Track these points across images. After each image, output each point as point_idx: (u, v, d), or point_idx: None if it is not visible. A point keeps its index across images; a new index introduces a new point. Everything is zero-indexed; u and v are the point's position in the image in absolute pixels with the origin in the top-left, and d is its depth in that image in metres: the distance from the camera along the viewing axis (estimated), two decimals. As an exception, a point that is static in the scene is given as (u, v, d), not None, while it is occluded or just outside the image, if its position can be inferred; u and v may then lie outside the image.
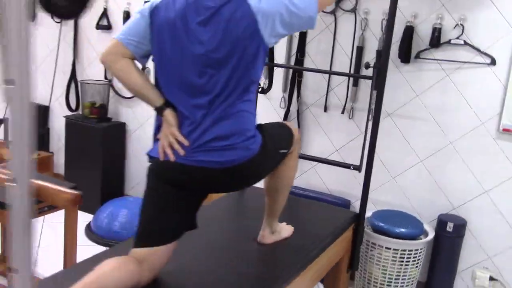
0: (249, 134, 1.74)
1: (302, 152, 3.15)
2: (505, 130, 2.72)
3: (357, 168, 2.62)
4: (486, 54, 2.70)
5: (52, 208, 2.63)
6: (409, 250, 2.76)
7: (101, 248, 2.91)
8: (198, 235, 1.90)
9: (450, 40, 2.76)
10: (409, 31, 2.85)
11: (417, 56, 2.86)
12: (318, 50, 3.14)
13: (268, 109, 3.32)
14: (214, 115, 1.69)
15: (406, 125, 2.98)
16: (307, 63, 3.17)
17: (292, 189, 2.66)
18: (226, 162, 1.70)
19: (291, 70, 3.22)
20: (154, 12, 1.72)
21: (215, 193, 2.28)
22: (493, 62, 2.69)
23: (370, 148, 2.56)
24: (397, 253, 2.77)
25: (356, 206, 3.13)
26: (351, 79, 3.05)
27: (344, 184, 3.19)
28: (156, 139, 1.80)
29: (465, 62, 2.76)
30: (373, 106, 2.56)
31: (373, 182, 2.66)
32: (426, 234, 2.85)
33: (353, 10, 2.99)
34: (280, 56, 3.21)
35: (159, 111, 1.74)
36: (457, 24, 2.75)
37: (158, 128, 1.80)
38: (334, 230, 2.45)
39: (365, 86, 3.02)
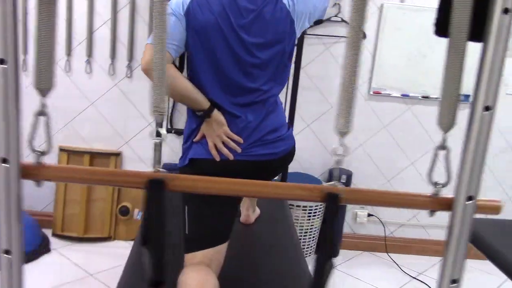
0: (286, 123, 1.86)
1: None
2: (375, 92, 3.29)
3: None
4: (357, 29, 3.18)
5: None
6: (315, 206, 3.16)
7: None
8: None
9: (330, 18, 3.15)
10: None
11: (303, 33, 3.17)
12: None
13: (153, 90, 3.21)
14: (263, 111, 1.77)
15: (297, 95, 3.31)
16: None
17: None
18: (280, 152, 1.81)
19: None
20: (189, 14, 1.64)
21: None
22: (364, 36, 3.19)
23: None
24: (306, 210, 3.14)
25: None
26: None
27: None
28: (192, 142, 1.76)
29: (341, 37, 3.20)
30: None
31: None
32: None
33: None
34: (164, 35, 3.12)
35: (208, 112, 1.69)
36: (335, 4, 3.15)
37: (193, 132, 1.76)
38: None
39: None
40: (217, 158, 1.74)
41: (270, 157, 1.79)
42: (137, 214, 3.32)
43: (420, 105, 3.34)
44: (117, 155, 3.28)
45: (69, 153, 3.24)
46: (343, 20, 3.16)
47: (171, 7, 1.68)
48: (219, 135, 1.73)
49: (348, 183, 3.32)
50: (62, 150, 3.24)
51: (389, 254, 3.48)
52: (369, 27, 3.19)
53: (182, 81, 1.68)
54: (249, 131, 1.76)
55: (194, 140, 1.78)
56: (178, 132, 3.21)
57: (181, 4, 1.67)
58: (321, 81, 3.27)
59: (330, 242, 0.87)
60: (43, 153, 0.81)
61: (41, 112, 0.79)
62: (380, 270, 3.30)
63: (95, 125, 3.25)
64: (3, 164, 0.75)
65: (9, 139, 0.75)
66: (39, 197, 3.32)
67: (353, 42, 0.81)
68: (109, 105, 3.22)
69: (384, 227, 3.50)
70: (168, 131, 3.06)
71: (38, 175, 0.79)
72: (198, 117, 1.76)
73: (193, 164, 1.77)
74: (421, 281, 3.20)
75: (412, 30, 3.18)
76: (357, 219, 3.49)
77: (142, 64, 1.62)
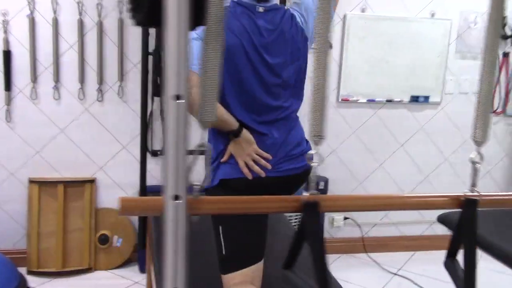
0: (305, 137, 1.90)
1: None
2: (343, 99, 3.41)
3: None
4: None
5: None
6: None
7: None
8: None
9: (298, 30, 3.23)
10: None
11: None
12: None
13: (126, 113, 3.14)
14: (287, 127, 1.82)
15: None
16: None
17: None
18: (304, 166, 1.85)
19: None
20: None
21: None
22: (330, 46, 3.30)
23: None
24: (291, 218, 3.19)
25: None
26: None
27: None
28: (219, 163, 1.76)
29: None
30: None
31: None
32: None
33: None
34: (134, 54, 3.07)
35: (238, 132, 1.70)
36: (302, 16, 3.24)
37: (221, 152, 1.76)
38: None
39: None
40: (250, 177, 1.75)
41: (297, 171, 1.83)
42: (117, 241, 3.21)
43: (385, 109, 3.50)
44: (92, 182, 3.16)
45: (41, 185, 3.08)
46: (310, 32, 3.25)
47: (194, 31, 1.68)
48: (249, 153, 1.74)
49: (325, 189, 3.41)
50: (32, 182, 3.07)
51: (368, 254, 3.61)
52: (334, 37, 3.31)
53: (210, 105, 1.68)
54: (276, 147, 1.79)
55: (222, 160, 1.78)
56: (155, 154, 3.14)
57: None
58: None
59: (321, 261, 0.82)
60: (201, 188, 0.80)
61: (201, 145, 0.78)
62: (363, 271, 3.41)
63: (66, 153, 3.11)
64: (175, 201, 0.74)
65: (180, 176, 0.74)
66: (7, 233, 3.13)
67: (320, 52, 0.83)
68: (80, 130, 3.10)
69: (360, 228, 3.63)
70: (154, 153, 2.99)
71: (201, 209, 0.78)
72: (225, 137, 1.76)
73: (225, 184, 1.76)
74: (402, 276, 3.35)
75: (374, 38, 3.35)
76: (334, 223, 3.59)
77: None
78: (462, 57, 3.54)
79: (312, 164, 0.84)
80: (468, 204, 0.87)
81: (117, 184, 3.22)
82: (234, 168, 1.77)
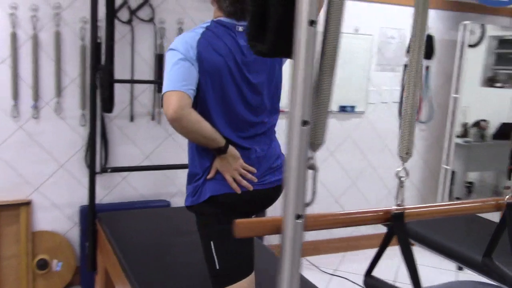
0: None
1: (112, 165, 3.10)
2: (281, 111, 3.53)
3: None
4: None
5: None
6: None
7: None
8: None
9: (236, 44, 3.31)
10: (203, 38, 3.21)
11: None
12: (121, 62, 3.05)
13: (63, 130, 3.00)
14: (267, 140, 1.89)
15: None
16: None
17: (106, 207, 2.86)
18: (282, 178, 1.91)
19: (87, 83, 3.00)
20: (200, 58, 1.70)
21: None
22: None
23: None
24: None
25: (177, 203, 3.35)
26: (154, 86, 3.16)
27: (158, 186, 3.31)
28: (205, 180, 1.79)
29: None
30: None
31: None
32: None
33: (151, 20, 3.08)
34: (73, 68, 2.94)
35: (225, 149, 1.73)
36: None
37: (207, 169, 1.78)
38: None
39: (168, 91, 3.20)
40: (238, 191, 1.79)
41: (278, 183, 1.90)
42: (57, 265, 3.04)
43: (317, 119, 3.69)
44: (27, 204, 2.97)
45: (-30, 210, 2.84)
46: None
47: (179, 51, 1.70)
48: (237, 168, 1.78)
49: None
50: (-40, 207, 2.82)
51: (305, 258, 3.77)
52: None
53: (206, 124, 1.70)
54: (260, 161, 1.85)
55: (208, 177, 1.80)
56: (105, 171, 3.02)
57: (190, 49, 1.70)
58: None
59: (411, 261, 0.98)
60: (308, 205, 0.85)
61: (311, 166, 0.83)
62: (304, 274, 3.56)
63: (-2, 174, 2.90)
64: (297, 220, 0.79)
65: (300, 196, 0.79)
66: None
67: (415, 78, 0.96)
68: (14, 149, 2.91)
69: (296, 234, 3.77)
70: (103, 170, 2.88)
71: (316, 225, 0.83)
72: (210, 154, 1.78)
73: (214, 200, 1.78)
74: (340, 276, 3.55)
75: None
76: (273, 231, 3.70)
77: (171, 113, 1.61)
78: (382, 69, 3.85)
79: (402, 179, 0.92)
80: (396, 218, 0.99)
81: (55, 205, 3.06)
82: (221, 184, 1.79)
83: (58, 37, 2.89)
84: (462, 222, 3.33)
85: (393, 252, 3.36)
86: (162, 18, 3.12)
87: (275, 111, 1.93)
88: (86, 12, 2.88)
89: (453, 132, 3.99)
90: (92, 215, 2.73)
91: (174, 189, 3.36)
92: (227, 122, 1.78)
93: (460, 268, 3.86)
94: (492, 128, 4.52)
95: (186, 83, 1.66)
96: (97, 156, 3.01)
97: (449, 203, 1.05)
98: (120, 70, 3.06)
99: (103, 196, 3.15)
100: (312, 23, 0.73)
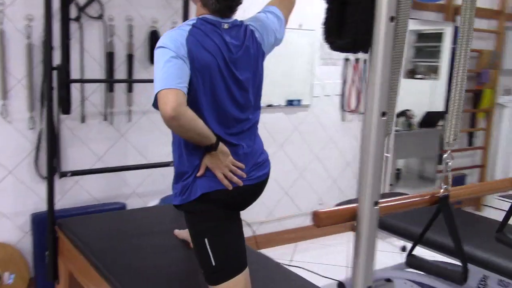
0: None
1: (65, 169, 2.97)
2: (230, 107, 3.55)
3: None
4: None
5: None
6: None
7: None
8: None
9: (187, 41, 3.27)
10: (153, 35, 3.15)
11: (165, 57, 3.21)
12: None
13: (10, 134, 2.82)
14: (252, 137, 1.92)
15: (160, 119, 3.30)
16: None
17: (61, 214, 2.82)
18: (267, 172, 1.97)
19: (36, 84, 2.84)
20: (191, 55, 1.69)
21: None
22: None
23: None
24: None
25: (133, 205, 3.27)
26: (106, 85, 3.06)
27: (113, 188, 3.21)
28: (195, 178, 1.79)
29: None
30: (131, 108, 3.05)
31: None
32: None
33: (100, 17, 2.97)
34: (19, 68, 2.78)
35: (216, 145, 1.73)
36: (190, 27, 3.28)
37: (197, 167, 1.77)
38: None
39: (120, 91, 3.12)
40: (230, 187, 1.78)
41: (263, 178, 1.92)
42: (9, 278, 2.87)
43: (266, 113, 3.75)
44: (-27, 215, 2.78)
45: None
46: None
47: (170, 49, 1.66)
48: (227, 165, 1.78)
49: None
50: None
51: (260, 250, 3.81)
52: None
53: (200, 121, 1.68)
54: (247, 157, 1.85)
55: (198, 174, 1.78)
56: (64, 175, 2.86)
57: (180, 46, 1.67)
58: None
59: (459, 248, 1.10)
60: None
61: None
62: (262, 268, 3.60)
63: None
64: (375, 207, 0.82)
65: (377, 184, 0.83)
66: None
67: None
68: (-44, 158, 2.70)
69: (250, 227, 3.81)
70: (63, 174, 2.73)
71: (388, 210, 0.87)
72: (199, 152, 1.77)
73: (205, 197, 1.77)
74: (296, 266, 3.63)
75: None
76: (227, 226, 3.71)
77: (169, 111, 1.58)
78: (325, 64, 3.97)
79: (448, 164, 0.98)
80: (443, 199, 1.08)
81: (3, 215, 2.88)
82: (212, 181, 1.78)
83: (1, 35, 2.71)
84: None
85: (342, 241, 3.54)
86: (111, 15, 3.02)
87: (257, 107, 1.95)
88: (32, 9, 2.73)
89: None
90: (51, 222, 2.60)
91: (129, 190, 3.28)
92: (216, 119, 1.78)
93: (403, 249, 4.10)
94: (417, 117, 4.81)
95: (180, 81, 1.64)
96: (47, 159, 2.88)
97: (480, 183, 1.13)
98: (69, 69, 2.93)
99: (55, 202, 3.00)
100: (392, 19, 0.77)
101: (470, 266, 2.27)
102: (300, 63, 3.79)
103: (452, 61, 4.47)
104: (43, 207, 2.97)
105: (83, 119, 3.02)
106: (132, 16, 3.09)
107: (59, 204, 3.02)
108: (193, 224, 1.83)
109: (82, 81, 2.86)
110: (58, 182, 2.99)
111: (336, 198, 4.30)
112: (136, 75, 3.15)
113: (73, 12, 2.88)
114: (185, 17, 2.95)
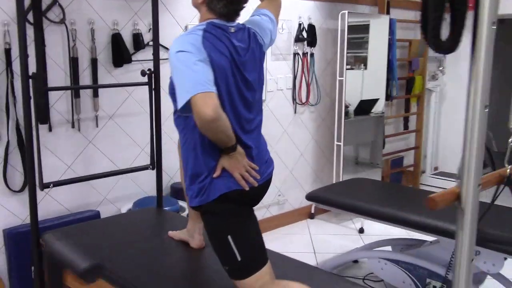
0: None
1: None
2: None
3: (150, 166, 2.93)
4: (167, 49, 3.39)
5: None
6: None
7: None
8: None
9: (148, 43, 3.26)
10: (116, 38, 3.11)
11: (127, 60, 3.17)
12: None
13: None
14: (258, 136, 2.00)
15: (126, 122, 3.27)
16: (18, 83, 2.77)
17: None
18: (273, 169, 2.06)
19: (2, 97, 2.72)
20: (211, 58, 1.74)
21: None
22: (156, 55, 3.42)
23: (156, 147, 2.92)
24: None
25: (107, 212, 3.21)
26: (71, 91, 2.98)
27: (84, 196, 3.13)
28: (212, 179, 1.84)
29: (163, 59, 3.35)
30: (98, 113, 3.03)
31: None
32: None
33: (62, 22, 2.88)
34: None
35: (235, 146, 1.80)
36: (149, 29, 3.27)
37: (213, 169, 1.82)
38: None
39: (85, 96, 3.04)
40: (247, 188, 1.84)
41: (271, 174, 2.01)
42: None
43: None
44: None
45: None
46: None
47: (192, 53, 1.70)
48: (244, 165, 1.84)
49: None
50: None
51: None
52: (178, 47, 3.44)
53: (228, 122, 1.74)
54: (258, 156, 1.93)
55: (215, 175, 1.82)
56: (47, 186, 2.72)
57: (200, 51, 1.71)
58: (147, 104, 3.35)
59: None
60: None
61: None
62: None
63: None
64: (477, 188, 0.95)
65: (479, 168, 0.95)
66: None
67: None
68: None
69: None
70: (45, 186, 2.61)
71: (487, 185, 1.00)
72: (215, 153, 1.81)
73: (224, 197, 1.82)
74: (267, 257, 3.74)
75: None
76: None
77: (210, 113, 1.61)
78: (276, 59, 4.10)
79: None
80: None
81: (-27, 233, 2.73)
82: (229, 181, 1.83)
83: (-39, 45, 2.57)
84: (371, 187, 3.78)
85: (303, 228, 3.73)
86: (72, 19, 2.94)
87: (260, 107, 2.02)
88: (-6, 15, 2.62)
89: (342, 111, 4.42)
90: (36, 236, 2.51)
91: (100, 197, 3.21)
92: (232, 120, 1.82)
93: (360, 231, 4.33)
94: (352, 106, 5.07)
95: (211, 84, 1.67)
96: (16, 172, 2.78)
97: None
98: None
99: (25, 216, 2.90)
100: (494, 23, 0.90)
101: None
102: (254, 59, 3.89)
103: (389, 51, 4.78)
104: (15, 221, 2.87)
105: (50, 128, 2.93)
106: (94, 20, 3.03)
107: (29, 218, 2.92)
108: (213, 223, 1.87)
109: (61, 88, 2.79)
110: (25, 195, 2.87)
111: (294, 188, 4.46)
112: (101, 79, 3.09)
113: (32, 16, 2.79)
114: (155, 20, 2.91)
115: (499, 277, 2.96)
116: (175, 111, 1.92)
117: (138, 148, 3.36)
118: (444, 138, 5.96)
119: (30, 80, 2.36)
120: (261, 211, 4.20)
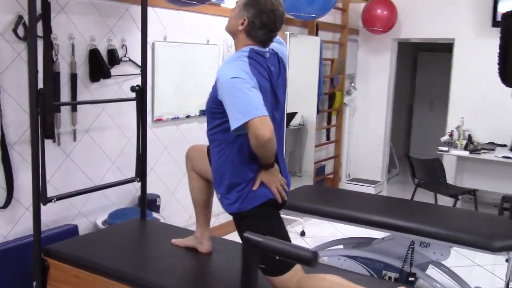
0: None
1: (16, 196, 2.84)
2: (157, 120, 3.70)
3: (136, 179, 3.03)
4: (139, 66, 3.49)
5: None
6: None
7: None
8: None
9: (121, 58, 3.34)
10: (94, 53, 3.15)
11: (107, 75, 3.22)
12: (16, 80, 2.77)
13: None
14: (281, 152, 2.23)
15: (100, 136, 3.31)
16: (4, 98, 2.72)
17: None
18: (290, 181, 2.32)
19: (-15, 110, 2.65)
20: (259, 84, 1.97)
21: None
22: (144, 71, 3.52)
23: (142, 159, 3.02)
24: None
25: (82, 225, 3.21)
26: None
27: (59, 211, 3.11)
28: (249, 191, 2.07)
29: (130, 75, 3.43)
30: (76, 127, 3.11)
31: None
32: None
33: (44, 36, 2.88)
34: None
35: (273, 164, 2.05)
36: (123, 45, 3.35)
37: (251, 180, 2.07)
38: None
39: (64, 110, 3.05)
40: (280, 200, 2.10)
41: (290, 184, 2.28)
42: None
43: (185, 124, 3.97)
44: None
45: None
46: (130, 60, 3.42)
47: (246, 80, 1.90)
48: (279, 180, 2.09)
49: (160, 204, 3.64)
50: None
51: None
52: (148, 63, 3.55)
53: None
54: (284, 171, 2.19)
55: (254, 188, 2.05)
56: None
57: (251, 77, 1.92)
58: (119, 117, 3.42)
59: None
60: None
61: None
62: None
63: None
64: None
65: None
66: None
67: None
68: None
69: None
70: (48, 200, 2.56)
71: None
72: (254, 166, 2.04)
73: (263, 204, 2.06)
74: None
75: (174, 63, 3.76)
76: (159, 235, 3.83)
77: (268, 135, 1.83)
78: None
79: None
80: None
81: (-43, 253, 2.62)
82: (267, 191, 2.07)
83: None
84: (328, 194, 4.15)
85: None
86: (55, 33, 2.95)
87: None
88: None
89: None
90: (38, 251, 2.50)
91: (74, 211, 3.21)
92: None
93: (302, 234, 4.69)
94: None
95: (264, 108, 1.89)
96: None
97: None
98: (19, 92, 2.79)
99: (7, 233, 2.84)
100: None
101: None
102: (208, 74, 4.09)
103: (320, 68, 5.23)
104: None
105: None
106: (74, 35, 3.05)
107: (12, 234, 2.87)
108: (250, 225, 2.06)
109: (67, 104, 2.81)
110: (8, 211, 2.83)
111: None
112: (79, 94, 3.12)
113: (20, 31, 2.77)
114: (144, 37, 3.00)
115: (439, 265, 3.48)
116: (212, 127, 2.12)
117: (109, 162, 3.41)
118: (355, 148, 6.58)
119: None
120: (212, 219, 4.37)
